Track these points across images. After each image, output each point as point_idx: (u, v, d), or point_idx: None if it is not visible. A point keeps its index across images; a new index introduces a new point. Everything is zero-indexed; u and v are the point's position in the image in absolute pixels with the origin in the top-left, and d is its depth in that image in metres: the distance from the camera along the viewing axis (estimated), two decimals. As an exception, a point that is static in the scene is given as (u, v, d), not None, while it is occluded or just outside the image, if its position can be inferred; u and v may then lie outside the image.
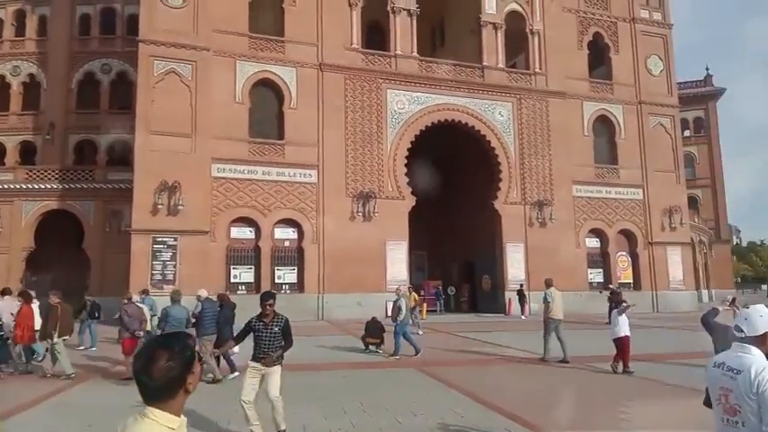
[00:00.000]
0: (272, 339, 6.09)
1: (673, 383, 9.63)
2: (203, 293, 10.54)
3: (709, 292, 46.48)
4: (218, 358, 10.34)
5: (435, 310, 29.10)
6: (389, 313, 24.97)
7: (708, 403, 4.53)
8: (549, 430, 6.43)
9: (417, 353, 12.79)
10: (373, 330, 14.29)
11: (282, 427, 6.13)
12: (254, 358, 6.13)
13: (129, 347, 10.12)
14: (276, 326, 6.13)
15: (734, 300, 4.57)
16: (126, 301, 11.02)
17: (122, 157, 29.96)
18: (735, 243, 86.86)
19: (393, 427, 6.76)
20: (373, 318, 14.99)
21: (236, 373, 10.12)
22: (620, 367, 10.70)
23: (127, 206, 23.91)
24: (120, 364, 10.72)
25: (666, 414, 7.53)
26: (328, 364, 11.59)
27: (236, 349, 10.26)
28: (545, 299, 12.58)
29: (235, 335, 13.11)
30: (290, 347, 6.26)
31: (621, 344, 10.77)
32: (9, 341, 10.74)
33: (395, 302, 13.76)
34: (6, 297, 11.74)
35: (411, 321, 13.93)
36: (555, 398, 8.74)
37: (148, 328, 11.22)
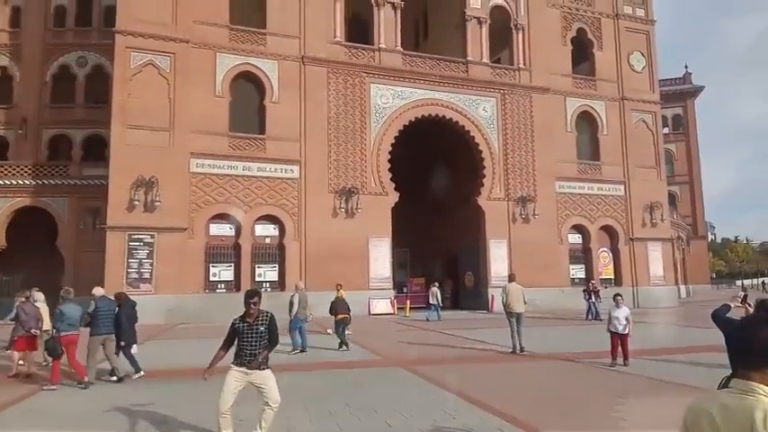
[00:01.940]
0: (258, 340, 5.62)
1: (660, 379, 9.49)
2: (98, 292, 10.25)
3: (687, 287, 47.14)
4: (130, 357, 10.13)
5: (423, 307, 29.08)
6: (371, 311, 24.98)
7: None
8: (544, 430, 6.18)
9: (302, 349, 13.33)
10: (340, 307, 14.23)
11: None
12: (238, 362, 5.59)
13: (23, 346, 10.27)
14: (261, 324, 5.65)
15: (745, 297, 4.34)
16: (23, 299, 10.71)
17: (98, 153, 29.14)
18: (710, 239, 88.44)
19: (383, 429, 6.45)
20: (337, 297, 14.94)
21: (142, 373, 10.00)
22: (621, 360, 10.79)
23: (102, 203, 23.22)
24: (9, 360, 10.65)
25: (661, 412, 7.34)
26: (313, 364, 11.24)
27: (134, 349, 10.30)
28: (501, 293, 13.47)
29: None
30: (275, 346, 5.79)
31: (615, 339, 10.82)
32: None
33: (291, 298, 14.15)
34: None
35: (309, 318, 14.09)
36: (546, 395, 8.52)
37: (46, 327, 10.87)
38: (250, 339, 5.61)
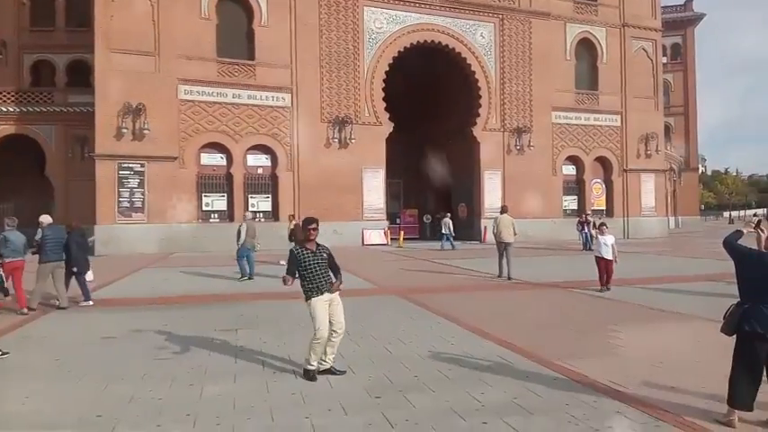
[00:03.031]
0: (324, 268, 5.68)
1: (651, 306, 9.65)
2: (46, 220, 10.23)
3: (677, 218, 47.67)
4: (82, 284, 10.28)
5: (415, 238, 29.50)
6: (365, 242, 25.11)
7: (725, 331, 4.32)
8: (545, 357, 6.26)
9: (250, 277, 13.74)
10: (299, 236, 14.04)
11: (331, 359, 5.73)
12: (317, 291, 5.59)
13: None
14: (324, 252, 5.73)
15: (759, 222, 4.23)
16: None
17: (83, 79, 28.11)
18: (701, 171, 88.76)
19: (383, 356, 6.51)
20: (295, 224, 15.00)
21: (90, 302, 10.16)
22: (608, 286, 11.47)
23: (90, 131, 22.67)
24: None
25: (661, 338, 7.47)
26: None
27: (89, 276, 10.47)
28: (493, 224, 14.28)
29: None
30: (337, 268, 5.90)
31: (602, 264, 11.52)
32: None
33: (239, 227, 14.34)
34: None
35: (258, 247, 14.40)
36: (539, 322, 8.64)
37: None
38: (317, 268, 5.63)
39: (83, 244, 10.65)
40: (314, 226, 5.70)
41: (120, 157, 21.88)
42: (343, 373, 5.69)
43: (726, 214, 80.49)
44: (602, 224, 12.24)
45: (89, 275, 10.49)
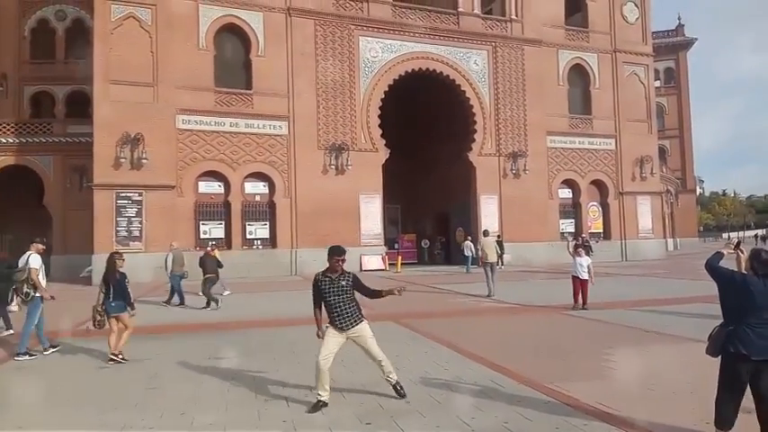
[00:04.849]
0: (341, 295, 5.50)
1: (651, 330, 9.64)
2: None
3: (675, 240, 47.72)
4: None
5: (413, 263, 29.58)
6: (363, 267, 25.11)
7: (710, 352, 4.35)
8: (536, 381, 6.26)
9: (181, 303, 14.38)
10: (208, 265, 14.16)
11: (393, 378, 5.77)
12: (332, 322, 5.52)
13: None
14: (343, 279, 5.53)
15: (739, 243, 4.31)
16: None
17: (82, 110, 28.47)
18: (698, 193, 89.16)
19: (376, 382, 6.48)
20: (206, 252, 15.06)
21: (11, 331, 10.17)
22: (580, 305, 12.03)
23: (88, 161, 22.83)
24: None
25: (652, 361, 7.48)
26: (300, 319, 11.25)
27: (13, 307, 10.68)
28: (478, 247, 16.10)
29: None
30: (372, 294, 5.73)
31: (577, 284, 12.13)
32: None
33: (165, 257, 14.96)
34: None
35: (186, 274, 14.82)
36: (536, 347, 8.64)
37: None
38: (334, 297, 5.50)
39: (7, 275, 10.29)
40: (342, 258, 5.52)
41: (119, 187, 22.01)
42: (402, 396, 5.67)
43: (725, 235, 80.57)
44: (578, 246, 13.01)
45: (13, 306, 10.71)
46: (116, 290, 8.02)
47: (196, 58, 23.42)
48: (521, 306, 13.11)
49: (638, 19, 32.13)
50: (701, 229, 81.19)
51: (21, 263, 8.99)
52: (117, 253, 8.58)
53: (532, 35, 29.22)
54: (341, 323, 5.51)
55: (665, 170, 43.38)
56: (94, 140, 22.00)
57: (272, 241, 24.57)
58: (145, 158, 21.97)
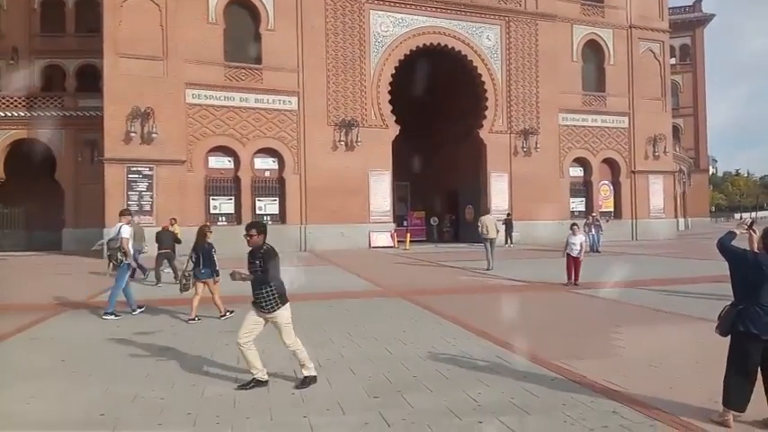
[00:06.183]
0: (253, 273, 5.32)
1: (659, 309, 9.61)
2: None
3: (686, 220, 47.34)
4: None
5: (422, 240, 29.61)
6: (371, 244, 25.15)
7: (720, 331, 4.34)
8: (543, 358, 6.28)
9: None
10: (164, 240, 13.76)
11: (307, 371, 5.42)
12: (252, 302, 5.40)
13: None
14: (256, 258, 5.29)
15: (752, 222, 4.25)
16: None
17: (92, 83, 28.45)
18: (711, 173, 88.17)
19: (383, 356, 6.56)
20: (164, 227, 14.75)
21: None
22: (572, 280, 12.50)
23: (99, 135, 22.91)
24: None
25: (661, 339, 7.47)
26: (311, 294, 11.37)
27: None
28: (479, 224, 16.67)
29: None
30: (267, 280, 5.23)
31: (570, 261, 12.66)
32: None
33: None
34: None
35: (145, 249, 14.30)
36: (543, 324, 8.66)
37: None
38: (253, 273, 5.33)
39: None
40: (251, 232, 5.31)
41: (129, 161, 22.09)
42: (304, 386, 5.30)
43: (737, 215, 79.85)
44: (574, 224, 13.50)
45: None
46: (205, 258, 9.00)
47: (206, 31, 23.25)
48: (527, 283, 13.14)
49: (654, -7, 31.42)
50: (713, 209, 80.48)
51: (113, 233, 9.81)
52: (206, 225, 9.71)
53: (547, 10, 28.67)
54: (256, 303, 5.33)
55: (678, 149, 42.84)
56: (105, 115, 22.02)
57: (281, 217, 24.65)
58: (155, 133, 21.99)
